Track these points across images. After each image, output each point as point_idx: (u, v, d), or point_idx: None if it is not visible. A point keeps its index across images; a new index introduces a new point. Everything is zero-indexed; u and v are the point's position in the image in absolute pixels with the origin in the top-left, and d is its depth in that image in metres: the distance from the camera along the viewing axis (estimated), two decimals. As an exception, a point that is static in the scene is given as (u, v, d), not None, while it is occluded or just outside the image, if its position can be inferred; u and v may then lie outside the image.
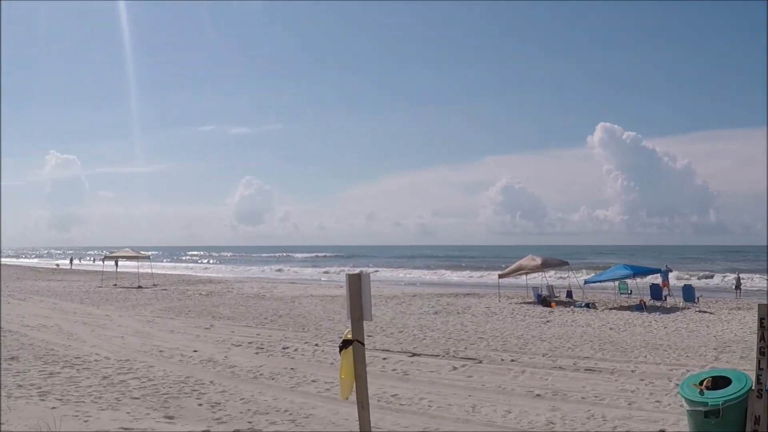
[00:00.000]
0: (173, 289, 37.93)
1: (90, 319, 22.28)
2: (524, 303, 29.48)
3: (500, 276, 32.11)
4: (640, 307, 25.52)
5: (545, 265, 29.88)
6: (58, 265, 77.92)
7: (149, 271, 45.94)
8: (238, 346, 16.26)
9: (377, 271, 69.25)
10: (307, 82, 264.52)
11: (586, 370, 13.04)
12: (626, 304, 27.68)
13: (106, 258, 45.38)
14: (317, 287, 41.30)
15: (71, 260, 72.23)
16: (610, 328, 20.14)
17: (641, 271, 30.15)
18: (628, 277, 29.36)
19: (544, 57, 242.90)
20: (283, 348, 15.92)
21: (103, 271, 46.94)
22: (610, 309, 26.52)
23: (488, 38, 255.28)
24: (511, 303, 29.47)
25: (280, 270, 73.48)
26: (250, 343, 16.72)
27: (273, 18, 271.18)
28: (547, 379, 12.11)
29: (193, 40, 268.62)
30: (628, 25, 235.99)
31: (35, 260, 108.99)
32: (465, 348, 15.98)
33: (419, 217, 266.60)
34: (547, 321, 22.54)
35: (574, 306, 27.63)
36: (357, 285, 5.59)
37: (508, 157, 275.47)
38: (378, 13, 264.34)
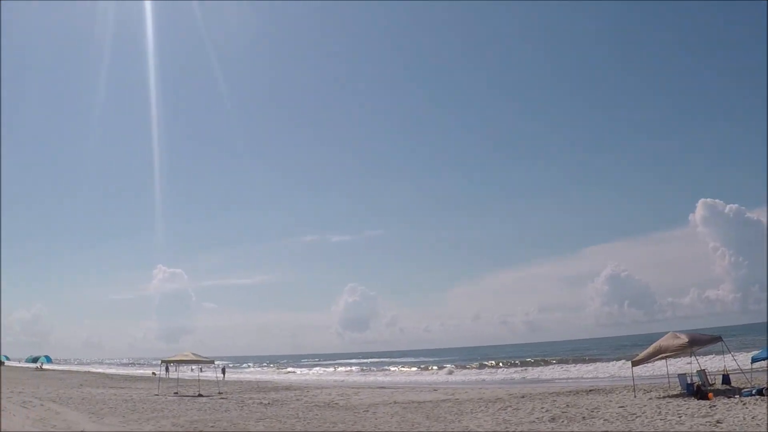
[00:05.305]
0: (235, 398, 32.93)
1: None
2: (669, 396, 22.47)
3: (634, 363, 24.73)
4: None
5: (694, 343, 22.49)
6: (154, 373, 75.71)
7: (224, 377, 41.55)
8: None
9: (480, 370, 62.31)
10: (401, 185, 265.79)
11: None
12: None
13: (163, 362, 41.25)
14: (405, 392, 35.08)
15: (167, 368, 69.51)
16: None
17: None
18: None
19: (636, 139, 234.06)
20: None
21: (159, 378, 43.41)
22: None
23: (576, 126, 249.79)
24: (651, 398, 22.42)
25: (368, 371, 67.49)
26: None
27: (363, 122, 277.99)
28: None
29: (289, 150, 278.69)
30: (716, 94, 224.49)
31: (127, 370, 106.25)
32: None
33: (525, 314, 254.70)
34: (718, 422, 15.62)
35: (741, 395, 20.52)
36: None
37: (610, 245, 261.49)
38: (464, 112, 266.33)
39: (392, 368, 79.77)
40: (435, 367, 73.90)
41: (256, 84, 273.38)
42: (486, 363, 74.07)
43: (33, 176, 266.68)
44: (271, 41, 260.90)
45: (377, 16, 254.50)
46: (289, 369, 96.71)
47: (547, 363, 65.22)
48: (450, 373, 64.01)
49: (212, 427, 19.75)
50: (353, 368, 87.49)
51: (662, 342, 23.20)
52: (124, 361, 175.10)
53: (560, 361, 65.45)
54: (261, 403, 29.06)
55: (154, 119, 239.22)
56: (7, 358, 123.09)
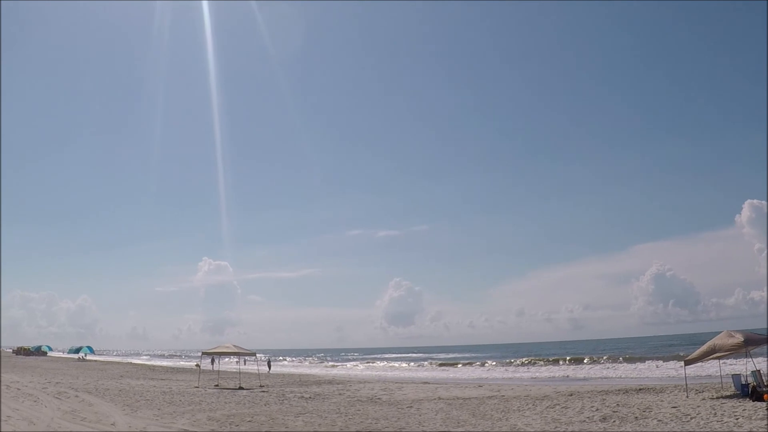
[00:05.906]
0: (276, 391, 33.19)
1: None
2: (723, 397, 21.90)
3: (688, 362, 24.23)
4: None
5: (750, 343, 21.89)
6: (198, 365, 76.90)
7: (269, 370, 42.18)
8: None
9: (525, 366, 61.80)
10: (448, 181, 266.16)
11: None
12: None
13: (204, 354, 40.94)
14: (450, 387, 35.06)
15: (212, 360, 70.56)
16: None
17: None
18: None
19: (684, 139, 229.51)
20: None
21: (200, 370, 44.11)
22: None
23: (621, 125, 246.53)
24: (704, 399, 21.92)
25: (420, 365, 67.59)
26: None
27: (408, 122, 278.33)
28: None
29: (337, 148, 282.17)
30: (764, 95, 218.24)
31: (170, 362, 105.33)
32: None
33: (569, 311, 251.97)
34: (779, 425, 15.19)
35: (799, 397, 19.90)
36: None
37: (656, 244, 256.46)
38: (508, 112, 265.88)
39: (436, 363, 79.62)
40: (479, 363, 73.62)
41: (308, 82, 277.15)
42: (531, 360, 73.53)
43: (87, 171, 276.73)
44: (322, 42, 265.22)
45: (421, 20, 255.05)
46: (332, 363, 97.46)
47: (592, 361, 64.41)
48: (490, 369, 63.77)
49: (249, 421, 19.25)
50: (397, 363, 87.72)
51: (716, 341, 22.62)
52: (168, 352, 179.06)
53: (606, 359, 64.59)
54: (302, 397, 29.08)
55: (216, 118, 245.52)
56: (50, 349, 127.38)
